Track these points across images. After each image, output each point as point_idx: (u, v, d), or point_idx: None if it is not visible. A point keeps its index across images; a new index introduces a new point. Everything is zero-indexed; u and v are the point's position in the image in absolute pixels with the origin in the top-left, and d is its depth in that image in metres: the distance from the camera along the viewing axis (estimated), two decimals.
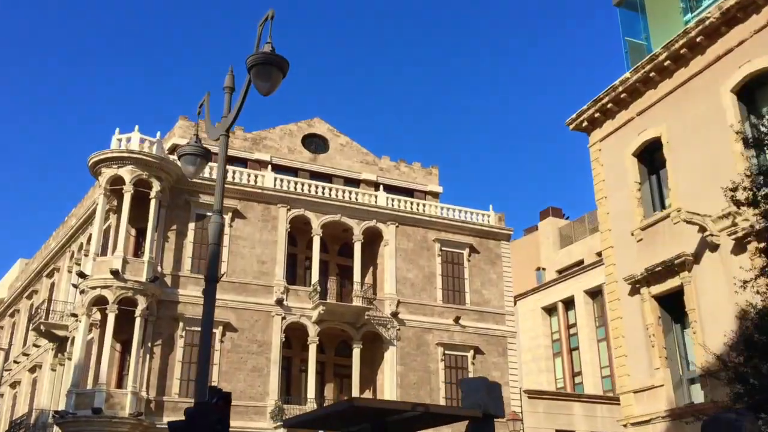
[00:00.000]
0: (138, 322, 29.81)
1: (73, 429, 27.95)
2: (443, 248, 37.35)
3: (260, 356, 32.36)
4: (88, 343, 30.77)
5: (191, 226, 33.11)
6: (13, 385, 42.79)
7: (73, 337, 34.56)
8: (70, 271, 38.46)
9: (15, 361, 42.86)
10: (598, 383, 40.06)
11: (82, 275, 30.27)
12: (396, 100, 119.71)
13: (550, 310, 44.51)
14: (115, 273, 29.68)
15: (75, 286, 31.10)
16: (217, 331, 31.82)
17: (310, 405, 31.65)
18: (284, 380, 32.81)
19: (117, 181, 31.67)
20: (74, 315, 34.60)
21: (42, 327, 35.41)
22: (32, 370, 39.84)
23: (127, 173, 31.44)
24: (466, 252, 37.60)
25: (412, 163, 41.04)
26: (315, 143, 39.14)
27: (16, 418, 37.88)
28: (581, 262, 49.61)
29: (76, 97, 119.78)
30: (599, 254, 34.73)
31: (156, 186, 31.74)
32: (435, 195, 41.07)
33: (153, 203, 31.59)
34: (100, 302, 29.93)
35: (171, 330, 31.17)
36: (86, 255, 35.25)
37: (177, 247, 32.43)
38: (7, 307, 49.59)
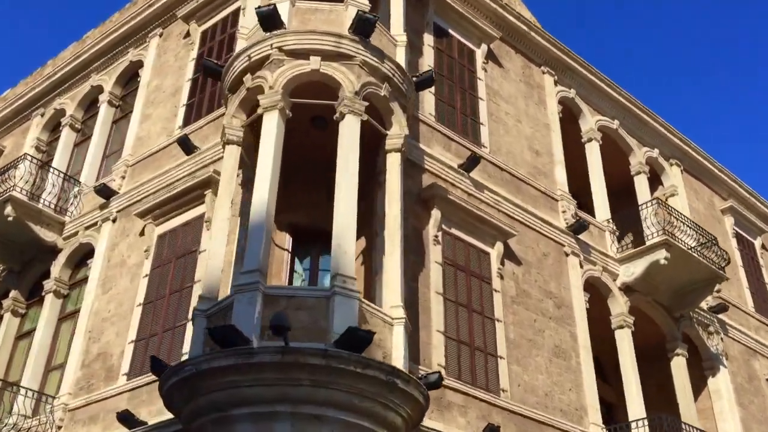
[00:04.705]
0: (393, 163, 11.64)
1: (252, 391, 8.73)
2: (736, 227, 22.25)
3: (561, 327, 14.73)
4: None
5: (428, 40, 15.75)
6: None
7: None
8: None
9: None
10: None
11: (266, 19, 11.63)
12: None
13: None
14: (360, 28, 11.64)
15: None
16: (493, 252, 14.07)
17: None
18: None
19: None
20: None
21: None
22: None
23: None
24: (758, 242, 22.77)
25: None
26: None
27: None
28: None
29: None
30: None
31: None
32: None
33: None
34: (304, 90, 11.47)
35: (416, 222, 13.02)
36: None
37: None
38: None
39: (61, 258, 15.53)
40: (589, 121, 18.86)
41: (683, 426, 14.81)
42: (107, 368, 12.75)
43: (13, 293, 16.27)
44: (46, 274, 15.69)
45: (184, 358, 10.99)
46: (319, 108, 11.88)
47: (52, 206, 16.12)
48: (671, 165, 20.95)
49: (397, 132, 11.90)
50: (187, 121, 15.04)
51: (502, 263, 14.04)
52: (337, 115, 11.27)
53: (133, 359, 12.38)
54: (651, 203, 17.53)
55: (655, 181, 20.62)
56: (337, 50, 11.56)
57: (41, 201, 16.01)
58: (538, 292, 14.56)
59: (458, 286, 13.01)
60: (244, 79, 11.84)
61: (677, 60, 59.17)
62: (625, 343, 15.87)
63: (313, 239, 12.73)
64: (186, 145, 13.88)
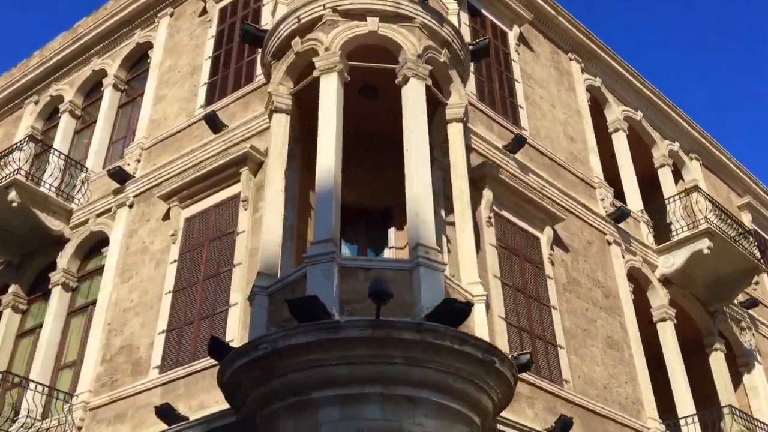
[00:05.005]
0: (455, 133, 10.79)
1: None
2: (754, 225, 21.83)
3: (612, 318, 13.96)
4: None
5: (463, 18, 14.97)
6: None
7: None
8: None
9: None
10: None
11: None
12: None
13: None
14: None
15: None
16: (543, 237, 13.27)
17: None
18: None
19: None
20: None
21: None
22: None
23: None
24: None
25: None
26: None
27: None
28: None
29: None
30: None
31: None
32: None
33: None
34: (357, 55, 10.56)
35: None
36: None
37: None
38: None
39: (69, 248, 14.29)
40: (615, 111, 18.26)
41: (752, 420, 14.15)
42: (134, 362, 11.57)
43: (12, 288, 14.98)
44: (51, 267, 14.42)
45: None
46: (369, 76, 10.99)
47: (56, 193, 14.90)
48: (691, 159, 20.45)
49: (457, 101, 11.06)
50: (210, 100, 13.97)
51: (552, 249, 13.26)
52: (400, 79, 10.37)
53: (165, 350, 11.22)
54: (689, 192, 16.95)
55: (675, 174, 20.10)
56: (396, 11, 10.69)
57: (45, 186, 14.78)
58: (587, 281, 13.78)
59: (513, 270, 12.15)
60: (292, 43, 10.90)
61: (685, 57, 59.22)
62: (668, 337, 15.15)
63: (358, 219, 11.77)
64: (214, 122, 12.84)
